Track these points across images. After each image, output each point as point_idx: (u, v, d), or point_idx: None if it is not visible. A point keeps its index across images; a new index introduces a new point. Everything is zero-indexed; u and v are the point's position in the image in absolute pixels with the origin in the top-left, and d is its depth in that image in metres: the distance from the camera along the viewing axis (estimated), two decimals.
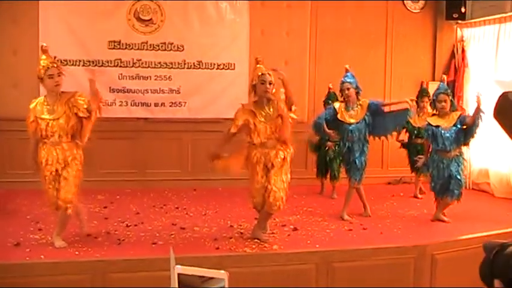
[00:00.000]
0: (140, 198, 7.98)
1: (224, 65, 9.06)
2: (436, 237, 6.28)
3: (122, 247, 5.74)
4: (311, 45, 9.48)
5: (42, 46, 5.67)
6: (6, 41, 8.42)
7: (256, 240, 5.96)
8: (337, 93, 7.63)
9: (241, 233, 6.22)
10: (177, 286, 1.91)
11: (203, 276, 1.88)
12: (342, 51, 9.35)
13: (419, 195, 8.43)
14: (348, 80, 7.06)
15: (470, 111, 9.40)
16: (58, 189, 5.52)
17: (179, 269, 1.90)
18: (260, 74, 5.85)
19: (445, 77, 7.30)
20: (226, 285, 1.87)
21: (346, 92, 7.04)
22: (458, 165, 6.87)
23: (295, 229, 6.53)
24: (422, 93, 8.40)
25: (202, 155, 8.92)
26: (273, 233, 6.23)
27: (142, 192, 8.30)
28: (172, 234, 6.20)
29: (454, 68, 9.67)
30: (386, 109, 7.24)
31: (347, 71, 7.16)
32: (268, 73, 5.83)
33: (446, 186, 6.86)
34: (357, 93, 7.05)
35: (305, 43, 9.46)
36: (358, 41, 9.59)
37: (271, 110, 5.82)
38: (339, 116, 7.08)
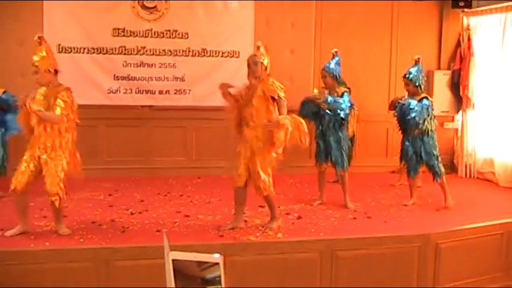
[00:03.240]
0: (144, 186, 8.00)
1: (229, 53, 9.03)
2: (440, 226, 6.28)
3: (126, 235, 5.76)
4: (316, 36, 9.44)
5: (37, 37, 5.63)
6: (13, 30, 8.39)
7: (260, 228, 5.97)
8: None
9: (245, 221, 6.20)
10: (172, 273, 1.89)
11: (202, 264, 1.86)
12: (347, 42, 9.31)
13: (419, 184, 8.38)
14: (327, 68, 7.05)
15: (475, 100, 9.43)
16: (43, 180, 5.50)
17: (174, 254, 1.89)
18: (248, 58, 5.95)
19: (418, 57, 7.25)
20: (222, 269, 1.86)
21: (323, 79, 7.08)
22: (423, 144, 7.11)
23: (299, 217, 6.53)
24: None
25: (207, 143, 8.99)
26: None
27: (147, 180, 8.32)
28: (176, 222, 6.21)
29: (460, 57, 9.63)
30: None
31: (333, 56, 7.16)
32: (254, 55, 5.92)
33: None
34: (336, 81, 7.05)
35: (310, 34, 9.41)
36: (363, 31, 9.55)
37: (252, 90, 5.84)
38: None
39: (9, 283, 4.87)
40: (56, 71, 5.62)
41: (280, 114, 5.75)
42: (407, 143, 7.25)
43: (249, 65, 5.89)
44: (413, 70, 7.12)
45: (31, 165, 5.51)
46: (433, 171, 7.15)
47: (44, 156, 5.48)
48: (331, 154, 7.06)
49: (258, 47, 6.01)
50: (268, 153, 5.80)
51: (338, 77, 7.05)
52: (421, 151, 7.11)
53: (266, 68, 5.86)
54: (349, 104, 7.01)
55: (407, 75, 7.14)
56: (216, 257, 1.86)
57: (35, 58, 5.53)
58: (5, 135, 7.30)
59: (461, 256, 5.99)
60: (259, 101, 5.78)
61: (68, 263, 5.06)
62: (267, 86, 5.78)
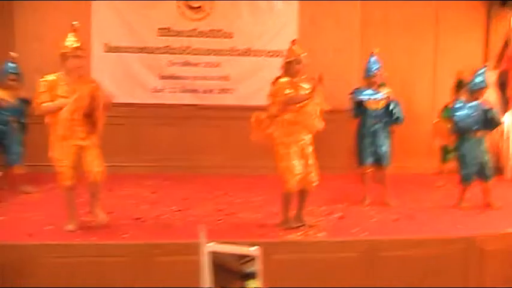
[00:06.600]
0: (188, 183, 8.08)
1: (273, 52, 9.04)
2: (485, 229, 6.18)
3: (170, 231, 5.84)
4: (360, 34, 9.37)
5: (73, 24, 5.61)
6: (29, 27, 8.57)
7: (301, 227, 5.97)
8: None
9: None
10: (208, 266, 1.88)
11: (241, 258, 1.86)
12: (391, 41, 9.23)
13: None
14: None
15: None
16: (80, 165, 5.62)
17: (211, 247, 1.89)
18: (301, 54, 5.93)
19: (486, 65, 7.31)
20: (259, 262, 1.85)
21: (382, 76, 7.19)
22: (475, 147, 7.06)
23: (341, 217, 6.52)
24: (459, 85, 8.55)
25: (250, 142, 9.02)
26: (319, 220, 6.21)
27: (190, 178, 8.39)
28: (219, 220, 6.26)
29: (508, 57, 9.44)
30: None
31: (371, 54, 7.29)
32: (304, 53, 5.93)
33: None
34: (365, 77, 7.28)
35: (354, 32, 9.35)
36: (408, 29, 9.45)
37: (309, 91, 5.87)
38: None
39: (57, 276, 5.00)
40: None
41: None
42: (461, 146, 7.16)
43: (299, 62, 5.92)
44: (478, 80, 7.04)
45: (73, 154, 5.57)
46: (485, 173, 7.08)
47: (84, 143, 5.56)
48: (381, 150, 7.07)
49: (294, 42, 6.04)
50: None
51: (365, 73, 7.22)
52: (475, 154, 7.02)
53: None
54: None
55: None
56: (254, 250, 1.86)
57: (79, 44, 5.53)
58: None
59: (507, 260, 5.88)
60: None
61: (111, 258, 5.16)
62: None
